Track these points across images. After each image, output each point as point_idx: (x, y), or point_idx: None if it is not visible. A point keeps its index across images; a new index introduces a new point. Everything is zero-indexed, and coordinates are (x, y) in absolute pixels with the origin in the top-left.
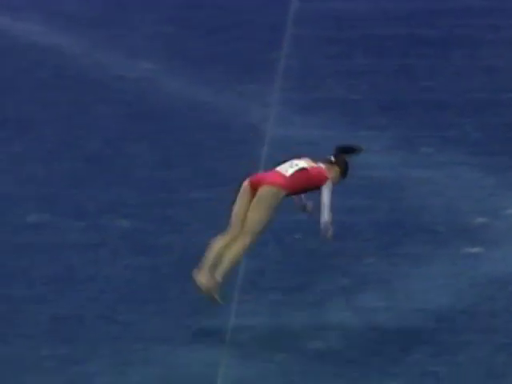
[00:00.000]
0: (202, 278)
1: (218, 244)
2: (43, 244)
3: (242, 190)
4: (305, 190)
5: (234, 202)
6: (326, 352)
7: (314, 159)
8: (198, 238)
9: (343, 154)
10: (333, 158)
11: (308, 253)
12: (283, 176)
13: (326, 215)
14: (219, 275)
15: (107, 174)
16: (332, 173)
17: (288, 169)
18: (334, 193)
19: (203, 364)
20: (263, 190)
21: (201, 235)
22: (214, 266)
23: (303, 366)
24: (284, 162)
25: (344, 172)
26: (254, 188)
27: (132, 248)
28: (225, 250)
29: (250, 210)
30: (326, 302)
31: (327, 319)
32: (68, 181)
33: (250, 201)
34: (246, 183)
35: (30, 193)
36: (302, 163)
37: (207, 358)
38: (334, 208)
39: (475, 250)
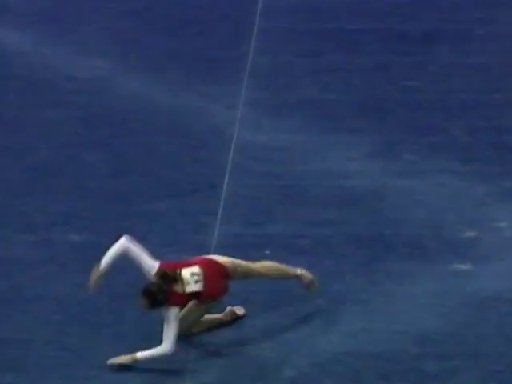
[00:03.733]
0: None
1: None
2: None
3: None
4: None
5: None
6: (299, 381)
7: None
8: (156, 254)
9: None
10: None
11: None
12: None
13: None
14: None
15: (57, 184)
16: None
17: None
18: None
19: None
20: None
21: (160, 251)
22: None
23: None
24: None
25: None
26: None
27: (84, 265)
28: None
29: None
30: (300, 324)
31: (300, 344)
32: (14, 191)
33: None
34: None
35: None
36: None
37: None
38: (307, 221)
39: (463, 266)
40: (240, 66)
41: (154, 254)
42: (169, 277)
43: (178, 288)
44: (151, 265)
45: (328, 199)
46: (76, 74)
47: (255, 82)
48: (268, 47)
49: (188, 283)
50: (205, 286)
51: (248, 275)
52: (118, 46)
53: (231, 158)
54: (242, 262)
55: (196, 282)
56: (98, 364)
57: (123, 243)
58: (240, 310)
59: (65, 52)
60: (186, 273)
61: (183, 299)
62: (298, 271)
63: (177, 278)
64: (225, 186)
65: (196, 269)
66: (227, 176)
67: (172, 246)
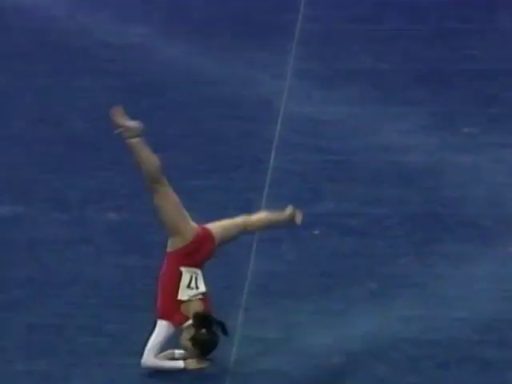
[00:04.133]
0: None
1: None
2: (17, 241)
3: None
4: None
5: None
6: (350, 369)
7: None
8: None
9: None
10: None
11: (329, 251)
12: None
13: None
14: None
15: (92, 158)
16: (184, 329)
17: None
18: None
19: (204, 380)
20: None
21: None
22: None
23: None
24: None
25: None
26: None
27: (121, 246)
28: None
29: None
30: (350, 309)
31: (351, 330)
32: (46, 166)
33: None
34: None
35: (1, 181)
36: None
37: (209, 372)
38: (358, 199)
39: None
40: (289, 33)
41: None
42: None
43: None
44: None
45: (381, 176)
46: (113, 41)
47: (304, 51)
48: (319, 13)
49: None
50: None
51: (242, 233)
52: (157, 11)
53: (278, 131)
54: (234, 224)
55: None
56: (135, 351)
57: None
58: (298, 218)
59: (101, 17)
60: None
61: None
62: (288, 211)
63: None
64: (271, 162)
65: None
66: (274, 150)
67: None
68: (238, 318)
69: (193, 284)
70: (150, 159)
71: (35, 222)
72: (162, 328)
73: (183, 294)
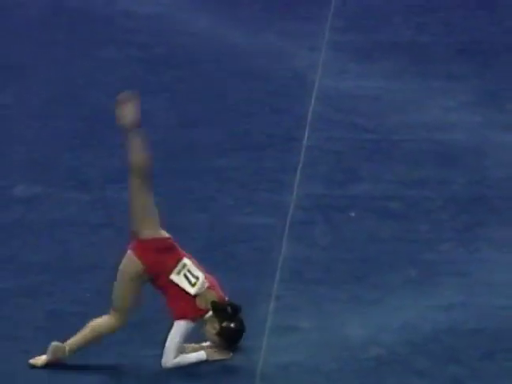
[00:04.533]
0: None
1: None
2: (35, 223)
3: (130, 267)
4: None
5: None
6: (388, 362)
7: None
8: (228, 217)
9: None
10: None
11: (366, 236)
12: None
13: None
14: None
15: (114, 136)
16: (206, 322)
17: (183, 272)
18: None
19: (236, 377)
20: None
21: (231, 213)
22: None
23: (359, 378)
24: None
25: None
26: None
27: None
28: None
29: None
30: (388, 298)
31: (389, 320)
32: (65, 143)
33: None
34: (130, 256)
35: (16, 158)
36: (201, 286)
37: (239, 363)
38: (398, 180)
39: None
40: (324, 2)
41: (224, 216)
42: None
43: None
44: None
45: (422, 155)
46: (137, 10)
47: (341, 21)
48: None
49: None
50: None
51: None
52: None
53: (312, 107)
54: None
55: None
56: (156, 341)
57: None
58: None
59: None
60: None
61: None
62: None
63: None
64: (305, 140)
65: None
66: (307, 128)
67: (245, 207)
68: (268, 307)
69: (192, 278)
70: (140, 153)
71: (54, 202)
72: (180, 327)
73: (191, 291)
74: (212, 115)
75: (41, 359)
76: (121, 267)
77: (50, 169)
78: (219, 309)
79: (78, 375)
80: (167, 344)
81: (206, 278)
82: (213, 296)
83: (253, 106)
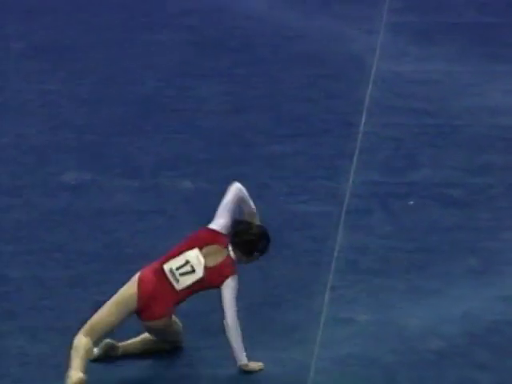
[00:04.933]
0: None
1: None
2: (84, 211)
3: (126, 301)
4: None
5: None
6: (448, 354)
7: (219, 247)
8: (282, 205)
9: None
10: (230, 246)
11: (426, 225)
12: (172, 295)
13: (229, 322)
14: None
15: (167, 121)
16: (233, 259)
17: (179, 278)
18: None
19: (289, 370)
20: (151, 326)
21: (285, 200)
22: None
23: (418, 371)
24: (178, 251)
25: (248, 253)
26: (139, 309)
27: (197, 217)
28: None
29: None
30: (448, 289)
31: (449, 311)
32: (117, 129)
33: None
34: (132, 294)
35: (66, 145)
36: (199, 265)
37: (297, 359)
38: (459, 166)
39: None
40: None
41: (278, 204)
42: None
43: None
44: None
45: (486, 141)
46: None
47: (399, 3)
48: None
49: None
50: None
51: None
52: None
53: (370, 91)
54: None
55: None
56: (210, 331)
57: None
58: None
59: None
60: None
61: None
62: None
63: None
64: (362, 126)
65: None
66: (365, 113)
67: (299, 194)
68: (324, 298)
69: (187, 268)
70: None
71: (104, 190)
72: (228, 287)
73: (200, 273)
74: (267, 100)
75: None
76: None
77: (99, 155)
78: (233, 237)
79: (130, 366)
80: (226, 305)
81: (192, 249)
82: (214, 248)
83: (308, 90)
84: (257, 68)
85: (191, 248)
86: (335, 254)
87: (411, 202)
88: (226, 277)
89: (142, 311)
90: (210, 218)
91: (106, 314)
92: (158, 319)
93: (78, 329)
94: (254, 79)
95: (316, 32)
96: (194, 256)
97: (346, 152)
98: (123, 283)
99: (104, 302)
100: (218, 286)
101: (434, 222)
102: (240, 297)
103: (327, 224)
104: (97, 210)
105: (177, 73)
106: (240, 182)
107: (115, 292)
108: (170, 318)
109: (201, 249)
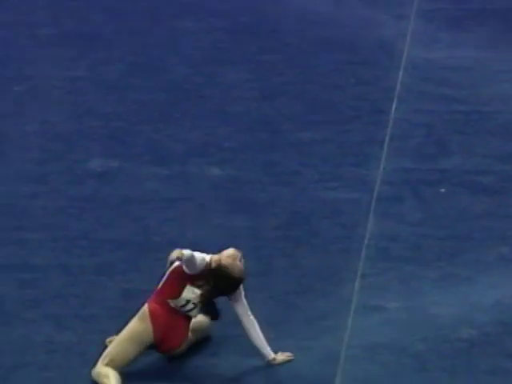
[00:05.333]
0: None
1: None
2: (110, 198)
3: (141, 336)
4: None
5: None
6: (479, 343)
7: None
8: (312, 192)
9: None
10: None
11: (456, 212)
12: (186, 322)
13: (252, 318)
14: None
15: (195, 108)
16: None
17: (187, 313)
18: None
19: (319, 358)
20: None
21: (314, 187)
22: None
23: (449, 360)
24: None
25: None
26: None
27: (225, 203)
28: None
29: None
30: (480, 276)
31: (480, 299)
32: (145, 115)
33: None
34: (146, 329)
35: (92, 132)
36: (196, 296)
37: (327, 347)
38: (491, 153)
39: None
40: None
41: (308, 191)
42: None
43: None
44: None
45: None
46: None
47: None
48: None
49: None
50: None
51: None
52: None
53: (400, 78)
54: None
55: None
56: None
57: None
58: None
59: None
60: None
61: None
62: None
63: None
64: (392, 112)
65: None
66: (395, 100)
67: (330, 181)
68: (354, 285)
69: (190, 305)
70: None
71: (131, 177)
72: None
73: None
74: (296, 87)
75: None
76: None
77: (126, 142)
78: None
79: (157, 355)
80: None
81: (184, 287)
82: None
83: (338, 77)
84: (285, 54)
85: (183, 286)
86: (365, 241)
87: (442, 190)
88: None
89: (159, 344)
90: (239, 206)
91: (122, 350)
92: (179, 347)
93: (106, 317)
94: (282, 65)
95: (345, 17)
96: (190, 293)
97: (377, 139)
98: (151, 271)
99: (131, 289)
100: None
101: (464, 210)
102: (268, 285)
103: (357, 211)
104: (124, 197)
105: (205, 59)
106: (269, 168)
107: (142, 280)
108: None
109: (192, 283)
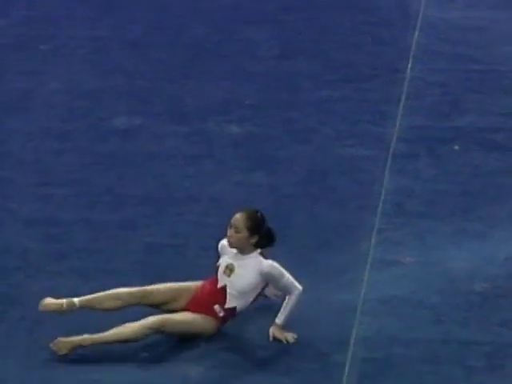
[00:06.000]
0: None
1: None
2: (133, 155)
3: (182, 291)
4: None
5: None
6: (492, 296)
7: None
8: (330, 149)
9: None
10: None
11: (470, 169)
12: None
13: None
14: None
15: (215, 66)
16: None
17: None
18: None
19: (337, 310)
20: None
21: (333, 144)
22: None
23: (462, 313)
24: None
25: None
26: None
27: (245, 160)
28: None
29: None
30: (493, 231)
31: (493, 254)
32: (166, 74)
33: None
34: (191, 289)
35: (116, 90)
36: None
37: (344, 300)
38: (504, 111)
39: None
40: None
41: (326, 149)
42: None
43: None
44: None
45: None
46: None
47: None
48: None
49: None
50: None
51: None
52: None
53: (416, 37)
54: None
55: None
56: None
57: None
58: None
59: None
60: None
61: None
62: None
63: None
64: (408, 71)
65: None
66: (411, 59)
67: (347, 138)
68: (371, 240)
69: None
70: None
71: (153, 134)
72: (272, 267)
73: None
74: (315, 46)
75: None
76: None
77: (149, 100)
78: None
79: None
80: (284, 276)
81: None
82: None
83: (356, 37)
84: (305, 14)
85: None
86: (382, 197)
87: (456, 147)
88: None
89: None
90: (258, 163)
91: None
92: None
93: (130, 271)
94: (302, 25)
95: None
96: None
97: (393, 97)
98: (172, 226)
99: (154, 244)
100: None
101: (478, 166)
102: (288, 240)
103: (374, 168)
104: (146, 154)
105: (225, 18)
106: (288, 126)
107: (164, 235)
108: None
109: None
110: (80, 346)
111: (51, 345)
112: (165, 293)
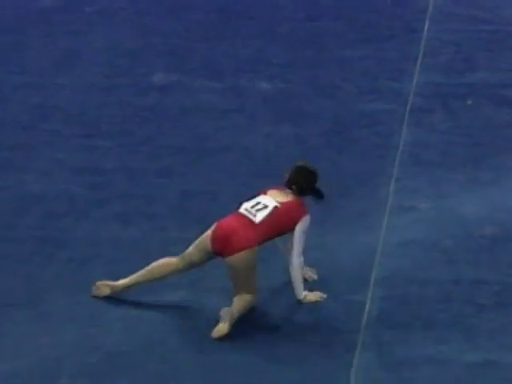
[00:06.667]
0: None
1: (161, 262)
2: (170, 108)
3: (202, 240)
4: (280, 234)
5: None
6: (502, 240)
7: (281, 190)
8: (352, 104)
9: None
10: (297, 193)
11: (482, 122)
12: (252, 228)
13: (293, 261)
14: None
15: (246, 27)
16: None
17: (256, 213)
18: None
19: (357, 252)
20: (235, 263)
21: (355, 99)
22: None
23: (474, 255)
24: (250, 199)
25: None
26: (218, 249)
27: (274, 114)
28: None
29: (234, 285)
30: (502, 180)
31: (503, 200)
32: (200, 34)
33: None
34: (207, 235)
35: (155, 48)
36: (270, 201)
37: (364, 243)
38: (508, 73)
39: None
40: None
41: (348, 104)
42: None
43: None
44: None
45: None
46: None
47: None
48: None
49: None
50: None
51: None
52: None
53: (432, 0)
54: None
55: None
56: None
57: None
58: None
59: None
60: None
61: None
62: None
63: None
64: (425, 31)
65: None
66: (427, 20)
67: (368, 94)
68: (389, 188)
69: (260, 205)
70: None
71: (189, 90)
72: (305, 221)
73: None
74: (337, 8)
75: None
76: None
77: (185, 58)
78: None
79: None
80: (296, 239)
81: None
82: (276, 191)
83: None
84: None
85: (255, 197)
86: (400, 148)
87: (469, 102)
88: (304, 213)
89: (222, 250)
90: (286, 116)
91: (189, 250)
92: (240, 250)
93: (167, 215)
94: None
95: None
96: (262, 198)
97: (410, 55)
98: (206, 174)
99: (189, 190)
100: (294, 222)
101: (489, 120)
102: None
103: (392, 121)
104: (182, 107)
105: None
106: (313, 83)
107: (198, 182)
108: (254, 256)
109: (265, 193)
110: (121, 289)
111: (93, 288)
112: (196, 252)
